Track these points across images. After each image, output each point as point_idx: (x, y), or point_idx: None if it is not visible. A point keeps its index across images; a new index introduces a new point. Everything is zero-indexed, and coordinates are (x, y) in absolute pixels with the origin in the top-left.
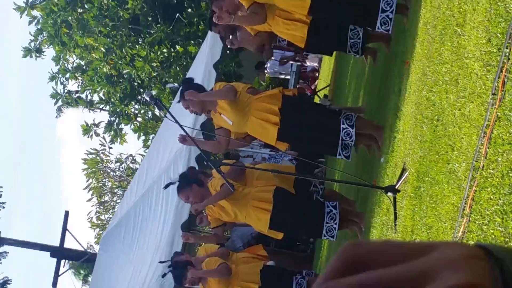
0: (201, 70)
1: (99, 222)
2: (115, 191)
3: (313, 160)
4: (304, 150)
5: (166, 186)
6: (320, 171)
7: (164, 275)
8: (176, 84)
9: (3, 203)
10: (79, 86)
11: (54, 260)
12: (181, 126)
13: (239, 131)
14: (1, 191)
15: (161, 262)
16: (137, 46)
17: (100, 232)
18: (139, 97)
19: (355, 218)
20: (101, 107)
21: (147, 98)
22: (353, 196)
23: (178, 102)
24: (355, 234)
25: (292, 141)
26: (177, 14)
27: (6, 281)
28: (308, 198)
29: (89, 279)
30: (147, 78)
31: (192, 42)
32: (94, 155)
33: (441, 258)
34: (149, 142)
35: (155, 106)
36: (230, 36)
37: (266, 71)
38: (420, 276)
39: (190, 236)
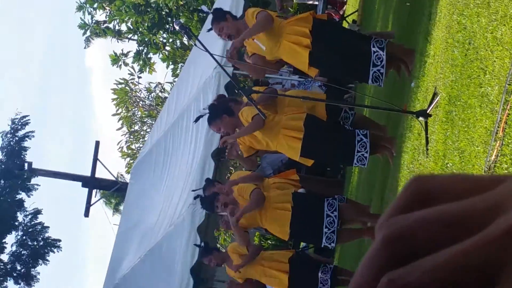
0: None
1: (130, 151)
2: (145, 120)
3: (343, 86)
4: (334, 75)
5: (197, 120)
6: (350, 97)
7: (196, 197)
8: (208, 10)
9: (32, 131)
10: (107, 16)
11: (86, 190)
12: (210, 54)
13: (272, 57)
14: (29, 120)
15: (193, 190)
16: None
17: (131, 161)
18: (167, 26)
19: (386, 143)
20: (129, 36)
21: (177, 27)
22: (384, 121)
23: (209, 30)
24: (386, 159)
25: (323, 65)
26: None
27: (38, 211)
28: (338, 125)
29: (120, 207)
30: (175, 7)
31: None
32: (123, 85)
33: (510, 191)
34: (178, 71)
35: (185, 35)
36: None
37: None
38: (488, 210)
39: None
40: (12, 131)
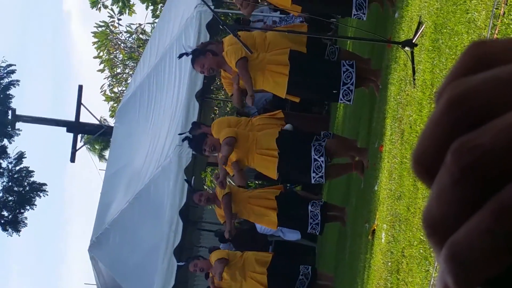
0: None
1: (113, 95)
2: (127, 63)
3: (325, 20)
4: (316, 10)
5: (180, 56)
6: (333, 32)
7: (184, 139)
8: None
9: (18, 80)
10: None
11: (71, 135)
12: None
13: None
14: (15, 69)
15: (180, 134)
16: None
17: (115, 105)
18: None
19: (371, 75)
20: None
21: None
22: (368, 54)
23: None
24: (371, 92)
25: (306, 3)
26: None
27: (22, 155)
28: (323, 58)
29: (105, 153)
30: None
31: None
32: (103, 28)
33: None
34: (158, 12)
35: None
36: None
37: None
38: None
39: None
40: None
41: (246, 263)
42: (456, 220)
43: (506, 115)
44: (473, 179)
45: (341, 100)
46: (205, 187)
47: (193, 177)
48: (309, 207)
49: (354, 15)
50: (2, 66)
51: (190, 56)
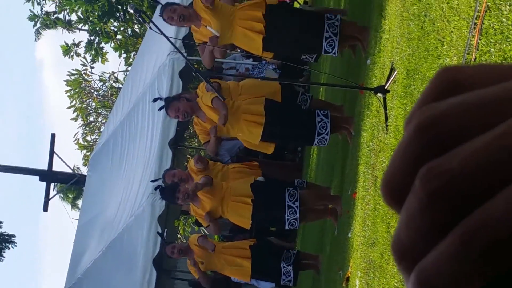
0: None
1: (86, 143)
2: (100, 111)
3: (298, 65)
4: (287, 54)
5: (155, 100)
6: (306, 79)
7: (156, 188)
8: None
9: None
10: (57, 7)
11: (44, 184)
12: (166, 36)
13: (225, 42)
14: None
15: (152, 181)
16: None
17: (88, 153)
18: (118, 14)
19: (344, 123)
20: (80, 26)
21: (131, 10)
22: (340, 100)
23: (160, 15)
24: (344, 139)
25: (277, 49)
26: None
27: None
28: (297, 107)
29: (78, 202)
30: None
31: None
32: (76, 76)
33: None
34: (131, 60)
35: (136, 21)
36: None
37: None
38: None
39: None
40: None
41: None
42: (425, 246)
43: (474, 140)
44: (441, 204)
45: (315, 144)
46: (178, 235)
47: (165, 229)
48: (282, 263)
49: (325, 51)
50: None
51: (163, 102)
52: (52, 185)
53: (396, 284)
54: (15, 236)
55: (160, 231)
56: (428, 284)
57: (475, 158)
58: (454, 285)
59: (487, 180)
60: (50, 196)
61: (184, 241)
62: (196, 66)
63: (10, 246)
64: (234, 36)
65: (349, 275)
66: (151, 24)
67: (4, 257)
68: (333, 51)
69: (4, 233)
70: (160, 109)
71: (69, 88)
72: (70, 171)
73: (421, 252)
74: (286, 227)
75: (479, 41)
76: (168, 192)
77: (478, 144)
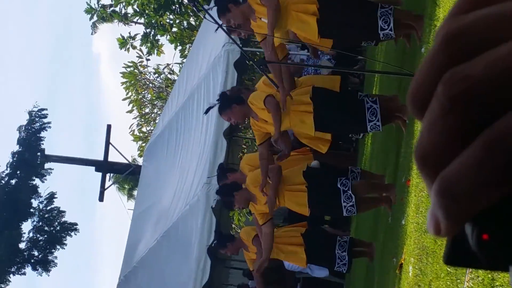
0: None
1: (141, 134)
2: (155, 102)
3: (353, 54)
4: (344, 41)
5: (207, 111)
6: (360, 67)
7: (209, 178)
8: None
9: (49, 123)
10: (113, 0)
11: (99, 174)
12: (221, 26)
13: (281, 31)
14: (47, 113)
15: (208, 177)
16: None
17: (143, 144)
18: (174, 7)
19: (398, 112)
20: (136, 19)
21: (186, 0)
22: (395, 89)
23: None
24: (399, 127)
25: (332, 31)
26: None
27: (53, 195)
28: (346, 93)
29: (134, 193)
30: None
31: None
32: (132, 68)
33: None
34: (186, 52)
35: (195, 8)
36: None
37: None
38: None
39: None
40: (29, 123)
41: None
42: (446, 151)
43: (499, 47)
44: (463, 109)
45: (369, 130)
46: (233, 225)
47: (213, 242)
48: (336, 249)
49: (382, 39)
50: (34, 111)
51: (217, 105)
52: (108, 175)
53: (449, 269)
54: (77, 224)
55: (214, 220)
56: (450, 192)
57: (500, 64)
58: (477, 193)
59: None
60: (106, 186)
61: (239, 231)
62: (250, 56)
63: (72, 233)
64: (290, 22)
65: (403, 262)
66: (206, 15)
67: (66, 244)
68: (390, 34)
69: (67, 222)
70: (206, 112)
71: (125, 80)
72: (126, 161)
73: (442, 158)
74: (344, 214)
75: None
76: (225, 199)
77: (503, 51)
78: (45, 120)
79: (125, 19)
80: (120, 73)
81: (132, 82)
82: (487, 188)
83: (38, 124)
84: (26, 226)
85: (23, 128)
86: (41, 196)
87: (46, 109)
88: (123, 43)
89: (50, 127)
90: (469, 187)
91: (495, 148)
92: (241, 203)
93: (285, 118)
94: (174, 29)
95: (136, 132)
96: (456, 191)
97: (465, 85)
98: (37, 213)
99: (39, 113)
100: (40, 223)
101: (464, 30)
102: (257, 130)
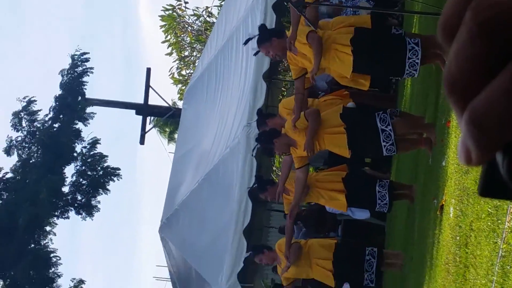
0: None
1: (181, 77)
2: (194, 45)
3: None
4: None
5: (246, 42)
6: (400, 8)
7: (249, 123)
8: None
9: (91, 68)
10: None
11: (140, 117)
12: None
13: None
14: (89, 57)
15: (248, 123)
16: None
17: (183, 87)
18: None
19: (437, 49)
20: None
21: None
22: (434, 30)
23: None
24: (438, 68)
25: None
26: None
27: (96, 141)
28: (388, 33)
29: (175, 136)
30: None
31: None
32: (170, 11)
33: None
34: None
35: None
36: None
37: None
38: None
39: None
40: (71, 67)
41: (311, 250)
42: (474, 77)
43: None
44: (490, 35)
45: (406, 71)
46: (274, 168)
47: (255, 184)
48: (377, 188)
49: None
50: (76, 55)
51: (257, 38)
52: (148, 118)
53: (490, 210)
54: (120, 169)
55: (255, 163)
56: (480, 121)
57: None
58: (506, 122)
59: None
60: (147, 130)
61: (279, 174)
62: None
63: (115, 179)
64: None
65: (444, 203)
66: None
67: (109, 190)
68: None
69: (110, 166)
70: (245, 43)
71: (163, 23)
72: (166, 105)
73: (470, 84)
74: (384, 153)
75: None
76: (265, 145)
77: None
78: (87, 65)
79: None
80: (159, 16)
81: (171, 25)
82: None
83: (80, 68)
84: (69, 171)
85: (66, 72)
86: (84, 141)
87: (89, 53)
88: None
89: (92, 72)
90: (498, 117)
91: None
92: (282, 149)
93: (325, 54)
94: None
95: (176, 75)
96: (485, 121)
97: (493, 11)
98: (80, 157)
99: (81, 57)
100: (83, 168)
101: None
102: (294, 64)
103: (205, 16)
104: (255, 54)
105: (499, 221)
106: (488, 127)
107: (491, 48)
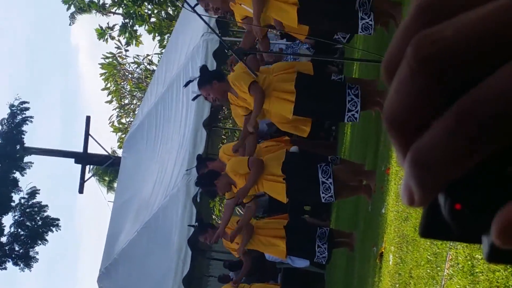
0: None
1: (121, 125)
2: (135, 93)
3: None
4: (323, 28)
5: (186, 84)
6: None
7: (188, 170)
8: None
9: (31, 117)
10: None
11: (79, 166)
12: (199, 15)
13: (261, 17)
14: (29, 106)
15: (187, 170)
16: None
17: (123, 136)
18: None
19: (377, 97)
20: (114, 10)
21: None
22: (374, 77)
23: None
24: (378, 115)
25: (312, 20)
26: None
27: (35, 191)
28: (329, 81)
29: (114, 185)
30: None
31: None
32: (111, 59)
33: None
34: (165, 42)
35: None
36: None
37: None
38: None
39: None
40: (10, 116)
41: None
42: (415, 114)
43: (470, 12)
44: (431, 71)
45: (346, 119)
46: (213, 217)
47: (196, 222)
48: (317, 241)
49: (360, 33)
50: (15, 104)
51: (197, 78)
52: (87, 167)
53: (429, 257)
54: (59, 220)
55: (195, 211)
56: (423, 161)
57: (472, 28)
58: (449, 163)
59: (482, 52)
60: (86, 178)
61: (219, 222)
62: (229, 44)
63: (54, 229)
64: (270, 9)
65: (383, 250)
66: (185, 4)
67: (48, 240)
68: (369, 24)
69: (49, 217)
70: (185, 85)
71: (103, 71)
72: (105, 153)
73: (411, 120)
74: (323, 201)
75: None
76: (206, 187)
77: (475, 15)
78: (27, 113)
79: (103, 9)
80: (99, 64)
81: (111, 72)
82: (460, 159)
83: (20, 117)
84: (7, 220)
85: (5, 121)
86: (21, 190)
87: (28, 102)
88: (102, 33)
89: (32, 121)
90: (442, 157)
91: (466, 118)
92: (224, 189)
93: (266, 101)
94: (153, 19)
95: (116, 124)
96: (429, 161)
97: (434, 47)
98: (18, 207)
99: (21, 106)
100: (22, 218)
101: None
102: (234, 105)
103: (146, 64)
104: (194, 99)
105: (438, 268)
106: (430, 168)
107: (432, 85)
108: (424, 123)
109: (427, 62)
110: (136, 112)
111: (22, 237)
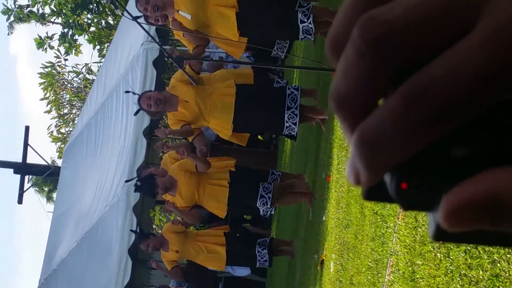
0: None
1: (60, 135)
2: (74, 103)
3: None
4: (263, 36)
5: (128, 91)
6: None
7: (135, 189)
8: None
9: None
10: (30, 0)
11: (18, 176)
12: (139, 24)
13: (199, 24)
14: None
15: (126, 181)
16: None
17: (62, 145)
18: (91, 6)
19: (316, 114)
20: (53, 19)
21: None
22: (315, 85)
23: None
24: (318, 124)
25: (251, 25)
26: None
27: None
28: (270, 88)
29: (54, 195)
30: None
31: None
32: (50, 68)
33: None
34: (105, 52)
35: (113, 5)
36: None
37: None
38: None
39: (164, 144)
40: None
41: None
42: (363, 95)
43: None
44: (379, 54)
45: (284, 133)
46: (154, 226)
47: (138, 226)
48: (257, 247)
49: (301, 38)
50: None
51: (135, 96)
52: (26, 177)
53: (370, 264)
54: None
55: (135, 221)
56: (370, 143)
57: (420, 8)
58: (396, 145)
59: (432, 33)
60: (25, 189)
61: (160, 231)
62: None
63: None
64: (209, 14)
65: (324, 258)
66: (124, 12)
67: None
68: (310, 28)
69: None
70: (135, 114)
71: (42, 80)
72: (45, 163)
73: (359, 102)
74: (261, 213)
75: None
76: (146, 187)
77: None
78: None
79: (42, 19)
80: (38, 73)
81: (50, 82)
82: (406, 141)
83: None
84: None
85: None
86: None
87: None
88: (41, 43)
89: None
90: (387, 139)
91: (412, 101)
92: (164, 183)
93: (208, 114)
94: (92, 29)
95: (55, 133)
96: (375, 142)
97: (382, 29)
98: None
99: None
100: None
101: None
102: (173, 118)
103: (85, 73)
104: (135, 114)
105: (379, 274)
106: (377, 148)
107: (380, 67)
108: (372, 104)
109: (375, 44)
110: (75, 122)
111: None
